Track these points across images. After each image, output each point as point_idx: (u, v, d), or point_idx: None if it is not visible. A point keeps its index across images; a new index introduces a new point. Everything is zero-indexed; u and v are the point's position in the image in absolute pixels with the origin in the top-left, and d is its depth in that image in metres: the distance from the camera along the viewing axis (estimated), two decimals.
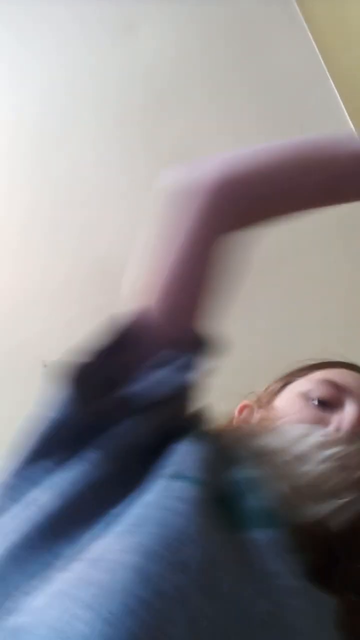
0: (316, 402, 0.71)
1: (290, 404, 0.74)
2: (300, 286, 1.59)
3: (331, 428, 0.68)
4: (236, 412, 0.80)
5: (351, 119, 1.57)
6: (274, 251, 1.52)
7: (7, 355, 1.63)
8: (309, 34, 1.60)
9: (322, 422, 0.68)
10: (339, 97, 1.59)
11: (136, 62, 1.64)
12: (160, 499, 0.53)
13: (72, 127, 1.63)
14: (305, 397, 0.73)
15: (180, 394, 0.64)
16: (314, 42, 1.60)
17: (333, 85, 1.59)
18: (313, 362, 0.80)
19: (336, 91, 1.58)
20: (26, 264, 1.64)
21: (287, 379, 0.80)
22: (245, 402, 0.81)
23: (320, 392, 0.72)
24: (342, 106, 1.59)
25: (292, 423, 0.70)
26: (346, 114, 1.57)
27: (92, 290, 1.61)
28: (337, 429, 0.67)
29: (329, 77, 1.59)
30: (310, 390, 0.73)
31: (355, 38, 1.62)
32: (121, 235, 1.62)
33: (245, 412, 0.79)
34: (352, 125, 1.59)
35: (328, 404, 0.71)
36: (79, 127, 1.63)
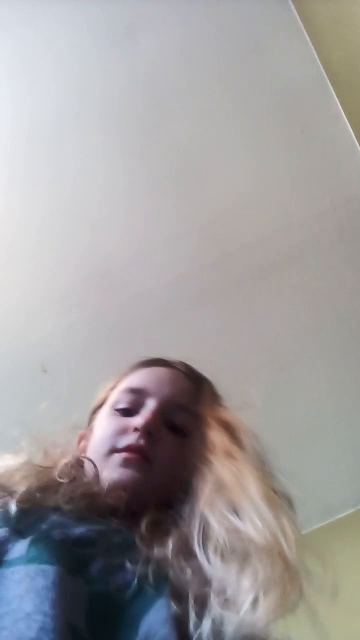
0: (119, 413, 0.81)
1: (101, 421, 0.82)
2: None
3: (130, 433, 0.76)
4: (76, 443, 0.87)
5: (349, 121, 1.57)
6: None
7: (8, 360, 1.63)
8: (307, 36, 1.60)
9: (124, 430, 0.77)
10: (337, 101, 1.59)
11: (135, 66, 1.64)
12: None
13: (74, 133, 1.63)
14: (113, 411, 0.82)
15: None
16: (312, 46, 1.60)
17: (332, 88, 1.59)
18: (122, 370, 0.90)
19: (335, 94, 1.58)
20: (27, 269, 1.64)
21: (105, 395, 0.88)
22: (80, 432, 0.88)
23: (121, 402, 0.82)
24: (341, 109, 1.59)
25: (97, 444, 0.78)
26: (344, 116, 1.58)
27: (93, 296, 1.62)
28: (135, 429, 0.75)
29: (328, 81, 1.60)
30: (115, 403, 0.82)
31: (354, 41, 1.62)
32: (123, 239, 1.63)
33: (82, 442, 0.86)
34: (350, 128, 1.60)
35: (131, 410, 0.80)
36: (80, 132, 1.63)
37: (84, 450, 0.83)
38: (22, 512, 0.67)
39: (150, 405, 0.79)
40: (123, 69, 1.62)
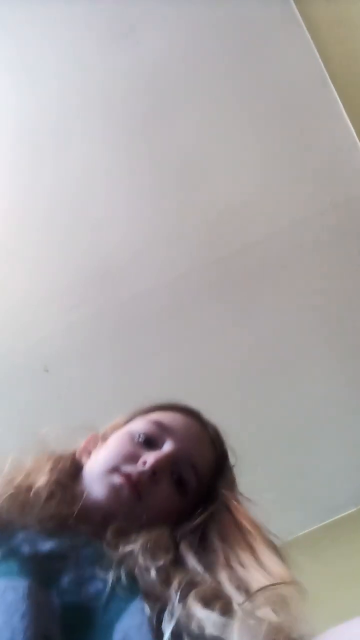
0: (140, 439, 0.81)
1: (117, 440, 0.83)
2: None
3: (138, 463, 0.77)
4: (83, 442, 0.88)
5: (351, 121, 1.57)
6: None
7: (10, 359, 1.63)
8: (308, 36, 1.61)
9: (134, 458, 0.78)
10: (339, 100, 1.59)
11: (137, 66, 1.64)
12: None
13: (76, 132, 1.63)
14: (132, 434, 0.83)
15: None
16: (313, 45, 1.60)
17: (333, 87, 1.59)
18: (156, 403, 0.90)
19: (336, 94, 1.58)
20: (28, 268, 1.65)
21: (131, 416, 0.89)
22: (94, 433, 0.89)
23: (145, 430, 0.83)
24: (342, 108, 1.59)
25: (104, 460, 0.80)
26: (346, 116, 1.58)
27: (94, 296, 1.62)
28: (144, 463, 0.76)
29: (329, 79, 1.60)
30: (139, 429, 0.83)
31: (355, 41, 1.62)
32: (124, 239, 1.63)
33: (90, 443, 0.88)
34: (351, 126, 1.59)
35: (151, 441, 0.81)
36: (82, 131, 1.63)
37: (88, 453, 0.85)
38: None
39: (168, 447, 0.80)
40: (125, 68, 1.62)
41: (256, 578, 0.64)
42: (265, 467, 1.63)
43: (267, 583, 0.63)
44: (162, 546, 0.68)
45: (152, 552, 0.66)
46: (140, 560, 0.64)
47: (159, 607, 0.58)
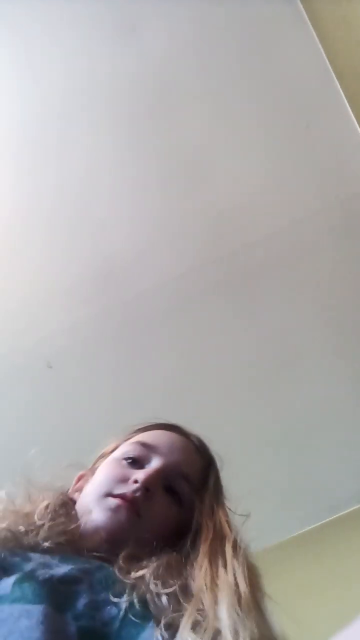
0: (127, 462, 0.84)
1: (105, 468, 0.85)
2: None
3: (130, 483, 0.78)
4: (74, 482, 0.90)
5: (356, 120, 1.57)
6: None
7: (14, 356, 1.64)
8: (314, 33, 1.60)
9: (124, 479, 0.80)
10: (344, 97, 1.59)
11: (142, 64, 1.64)
12: None
13: (80, 130, 1.63)
14: (119, 459, 0.85)
15: None
16: (319, 42, 1.59)
17: (338, 84, 1.59)
18: (138, 426, 0.93)
19: (341, 91, 1.58)
20: (32, 266, 1.65)
21: (116, 445, 0.91)
22: (82, 472, 0.91)
23: (131, 452, 0.85)
24: (347, 105, 1.59)
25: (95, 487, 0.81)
26: (351, 114, 1.57)
27: (97, 294, 1.62)
28: (135, 481, 0.78)
29: (334, 77, 1.59)
30: (125, 452, 0.86)
31: None
32: (128, 237, 1.64)
33: (81, 481, 0.89)
34: (356, 123, 1.59)
35: (137, 462, 0.83)
36: (85, 131, 1.63)
37: (80, 489, 0.86)
38: (6, 550, 0.68)
39: (156, 463, 0.82)
40: (129, 67, 1.62)
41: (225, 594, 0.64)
42: (267, 465, 1.64)
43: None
44: (173, 571, 0.68)
45: (163, 577, 0.66)
46: (152, 586, 0.64)
47: (171, 634, 0.58)
